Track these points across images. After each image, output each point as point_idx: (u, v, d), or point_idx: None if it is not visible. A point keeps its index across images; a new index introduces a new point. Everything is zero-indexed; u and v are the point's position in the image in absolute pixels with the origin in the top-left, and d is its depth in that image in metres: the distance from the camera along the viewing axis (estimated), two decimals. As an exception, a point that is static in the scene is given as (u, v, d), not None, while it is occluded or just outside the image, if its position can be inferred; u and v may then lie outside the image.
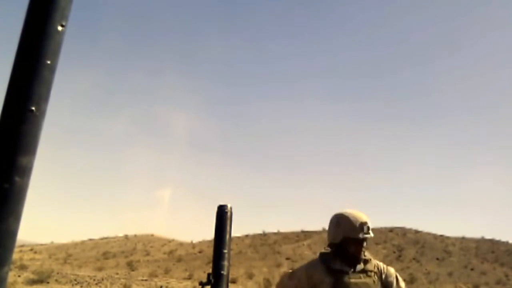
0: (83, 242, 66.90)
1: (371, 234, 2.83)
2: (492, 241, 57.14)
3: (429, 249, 49.70)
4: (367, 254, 2.93)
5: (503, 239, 58.18)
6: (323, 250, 3.02)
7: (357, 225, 2.83)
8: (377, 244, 53.34)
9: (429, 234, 58.77)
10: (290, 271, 3.05)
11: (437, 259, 45.45)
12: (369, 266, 2.88)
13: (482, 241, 56.76)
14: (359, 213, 2.91)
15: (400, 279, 2.97)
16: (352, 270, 2.84)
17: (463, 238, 58.21)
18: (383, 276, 2.89)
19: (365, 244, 2.87)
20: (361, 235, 2.82)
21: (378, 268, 2.92)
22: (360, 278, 2.82)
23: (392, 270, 2.98)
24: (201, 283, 2.54)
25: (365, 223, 2.85)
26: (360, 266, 2.86)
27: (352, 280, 2.81)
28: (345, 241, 2.85)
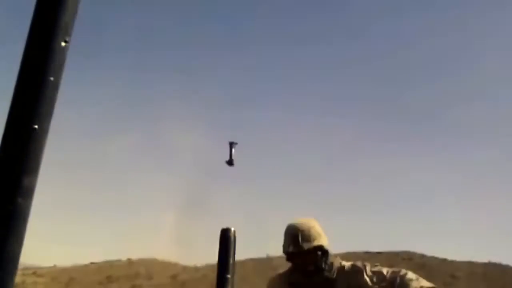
0: (85, 266, 66.33)
1: (290, 249, 2.66)
2: (500, 266, 56.32)
3: (435, 273, 48.99)
4: (332, 258, 2.73)
5: (511, 263, 57.37)
6: None
7: (283, 239, 2.74)
8: (383, 268, 52.60)
9: (435, 258, 58.02)
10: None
11: (444, 283, 44.75)
12: (326, 276, 2.67)
13: (489, 265, 55.93)
14: (290, 224, 2.74)
15: (405, 276, 2.60)
16: (311, 280, 2.70)
17: (470, 263, 57.40)
18: (345, 282, 2.63)
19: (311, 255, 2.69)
20: (285, 251, 2.70)
21: (340, 275, 2.67)
22: None
23: (357, 268, 2.65)
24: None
25: (287, 235, 2.70)
26: (322, 276, 2.68)
27: None
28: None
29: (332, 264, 2.72)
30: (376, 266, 2.69)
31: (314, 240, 2.65)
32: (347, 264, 2.73)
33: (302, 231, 2.67)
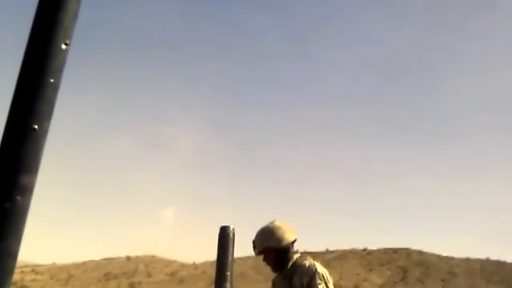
0: (84, 263, 66.40)
1: (255, 253, 2.93)
2: (497, 262, 56.49)
3: (433, 270, 49.11)
4: (298, 258, 2.90)
5: (509, 260, 57.50)
6: None
7: None
8: (381, 265, 52.74)
9: (433, 255, 58.17)
10: None
11: (442, 280, 44.88)
12: (288, 271, 2.85)
13: (487, 262, 56.10)
14: (258, 230, 3.00)
15: (316, 279, 2.74)
16: (279, 277, 2.91)
17: (468, 259, 57.57)
18: (298, 277, 2.78)
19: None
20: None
21: (298, 270, 2.82)
22: (281, 284, 2.88)
23: (310, 270, 2.78)
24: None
25: (253, 242, 2.98)
26: (284, 272, 2.87)
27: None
28: None
29: (295, 262, 2.87)
30: (322, 279, 2.75)
31: (263, 243, 2.88)
32: (308, 263, 2.84)
33: (256, 237, 2.94)
